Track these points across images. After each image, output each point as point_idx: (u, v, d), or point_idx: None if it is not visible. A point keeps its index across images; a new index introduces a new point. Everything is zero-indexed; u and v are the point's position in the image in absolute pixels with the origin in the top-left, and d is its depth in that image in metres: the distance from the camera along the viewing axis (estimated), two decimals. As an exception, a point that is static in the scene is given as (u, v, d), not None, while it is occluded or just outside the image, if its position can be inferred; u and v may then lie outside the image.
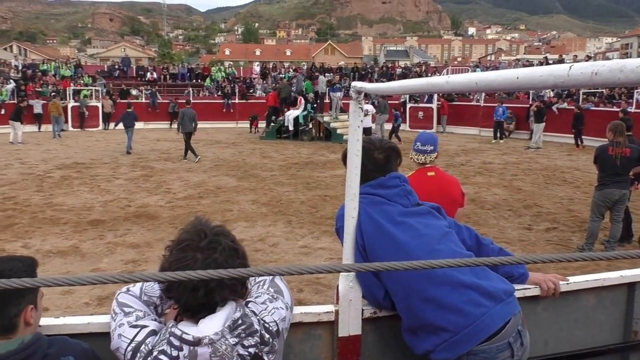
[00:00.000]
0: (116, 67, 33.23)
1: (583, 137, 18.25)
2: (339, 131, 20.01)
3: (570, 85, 0.83)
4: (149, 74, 31.96)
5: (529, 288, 2.14)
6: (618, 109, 18.67)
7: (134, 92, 28.57)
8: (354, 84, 1.76)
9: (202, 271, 0.90)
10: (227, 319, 1.45)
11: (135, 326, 1.52)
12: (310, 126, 20.84)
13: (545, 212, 9.29)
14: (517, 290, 2.09)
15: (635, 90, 19.35)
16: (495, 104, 21.02)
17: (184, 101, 19.50)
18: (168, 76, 32.73)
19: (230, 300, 1.49)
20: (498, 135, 20.55)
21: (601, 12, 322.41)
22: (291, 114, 20.61)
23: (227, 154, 16.76)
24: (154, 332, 1.49)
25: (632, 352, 2.34)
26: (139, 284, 1.67)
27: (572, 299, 2.25)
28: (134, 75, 32.52)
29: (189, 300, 1.44)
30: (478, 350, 1.81)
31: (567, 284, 2.19)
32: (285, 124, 20.75)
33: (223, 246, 1.49)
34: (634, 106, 18.82)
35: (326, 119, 21.07)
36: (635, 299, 2.33)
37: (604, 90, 21.52)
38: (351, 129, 1.84)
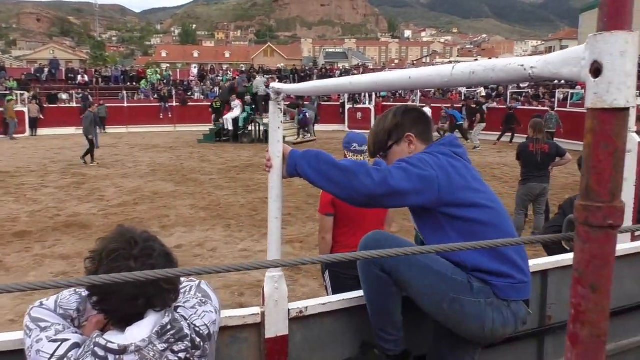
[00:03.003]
0: (44, 69, 31.85)
1: (507, 134, 19.19)
2: (288, 138, 20.00)
3: (454, 84, 0.89)
4: (79, 77, 30.80)
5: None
6: (543, 107, 19.64)
7: (63, 96, 27.45)
8: (272, 85, 1.78)
9: (150, 271, 0.89)
10: (155, 324, 1.43)
11: (55, 340, 1.46)
12: (250, 128, 20.74)
13: (477, 207, 9.64)
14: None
15: (557, 90, 20.38)
16: (424, 104, 21.50)
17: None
18: (100, 79, 31.68)
19: (167, 304, 1.47)
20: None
21: (527, 17, 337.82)
22: (230, 116, 20.43)
23: (165, 159, 16.41)
24: (76, 345, 1.44)
25: (547, 336, 2.47)
26: (52, 297, 1.61)
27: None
28: (64, 78, 31.27)
29: (128, 311, 1.42)
30: (519, 306, 1.87)
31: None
32: (225, 127, 20.54)
33: (158, 252, 1.47)
34: (556, 104, 19.84)
35: (266, 121, 21.02)
36: (549, 286, 2.47)
37: (529, 89, 22.54)
38: (271, 131, 1.86)
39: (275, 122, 1.84)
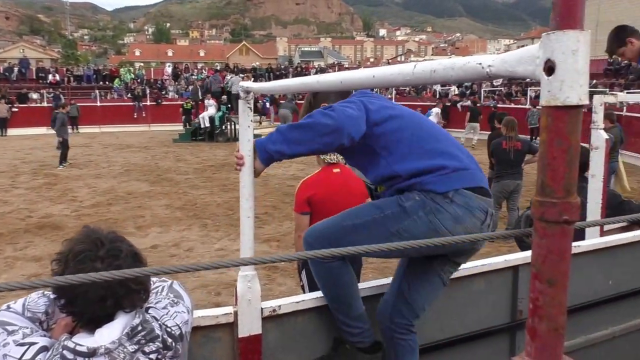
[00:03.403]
0: (13, 69, 31.15)
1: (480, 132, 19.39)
2: (255, 132, 19.88)
3: (415, 82, 0.90)
4: (50, 76, 30.18)
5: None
6: (516, 105, 19.94)
7: (34, 95, 26.91)
8: (241, 83, 1.77)
9: (116, 271, 0.87)
10: (125, 326, 1.41)
11: (22, 344, 1.43)
12: (226, 127, 20.63)
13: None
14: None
15: (529, 88, 20.71)
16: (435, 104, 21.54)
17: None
18: (72, 78, 31.13)
19: (138, 305, 1.46)
20: None
21: (499, 16, 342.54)
22: (206, 115, 20.28)
23: (139, 158, 16.21)
24: (45, 349, 1.42)
25: (519, 330, 2.51)
26: (20, 300, 1.58)
27: (463, 284, 2.38)
28: (34, 77, 30.63)
29: (96, 312, 1.39)
30: (465, 194, 1.84)
31: (458, 270, 2.32)
32: (202, 126, 20.38)
33: (125, 252, 1.46)
34: (528, 102, 20.16)
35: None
36: (520, 281, 2.50)
37: (502, 87, 22.86)
38: (241, 129, 1.85)
39: (246, 120, 1.84)
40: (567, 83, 0.65)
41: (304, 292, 3.47)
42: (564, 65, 0.66)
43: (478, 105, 20.04)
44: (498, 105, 20.73)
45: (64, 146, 14.65)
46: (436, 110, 19.73)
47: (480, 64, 0.79)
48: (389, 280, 2.20)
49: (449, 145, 1.93)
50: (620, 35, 4.46)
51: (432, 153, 1.88)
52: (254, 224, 2.00)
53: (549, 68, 0.67)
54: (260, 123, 21.47)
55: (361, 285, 2.13)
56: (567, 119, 0.65)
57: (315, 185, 3.47)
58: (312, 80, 1.19)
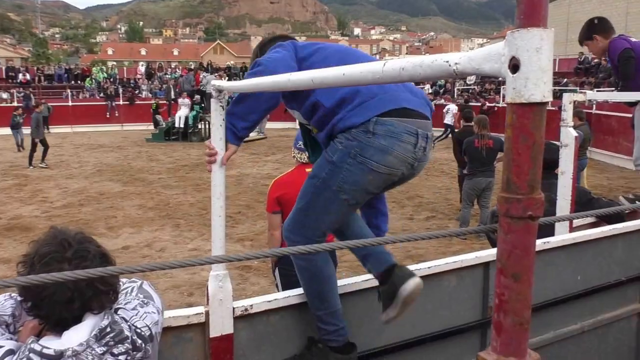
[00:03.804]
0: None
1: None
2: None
3: (386, 80, 0.90)
4: (20, 76, 29.54)
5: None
6: (490, 104, 20.20)
7: (4, 95, 26.30)
8: (213, 82, 1.76)
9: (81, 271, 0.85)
10: (93, 327, 1.39)
11: None
12: (200, 127, 20.46)
13: (425, 202, 9.84)
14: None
15: (502, 87, 21.00)
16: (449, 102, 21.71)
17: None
18: (43, 77, 30.51)
19: (106, 306, 1.44)
20: None
21: (472, 15, 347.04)
22: (181, 114, 20.08)
23: (111, 159, 15.97)
24: (11, 352, 1.39)
25: (490, 327, 2.54)
26: None
27: (435, 281, 2.40)
28: (4, 76, 29.93)
29: (63, 314, 1.37)
30: (385, 122, 1.79)
31: (429, 267, 2.34)
32: (176, 125, 20.17)
33: (93, 253, 1.44)
34: (501, 100, 20.46)
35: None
36: (491, 277, 2.53)
37: (475, 86, 23.15)
38: (213, 128, 1.84)
39: (218, 119, 1.83)
40: (532, 80, 0.66)
41: (278, 291, 3.46)
42: (528, 63, 0.67)
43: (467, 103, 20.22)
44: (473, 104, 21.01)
45: (35, 147, 14.37)
46: (453, 107, 19.93)
47: (447, 61, 0.79)
48: (363, 277, 2.21)
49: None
50: (590, 29, 4.55)
51: (339, 90, 1.87)
52: (225, 223, 1.98)
53: (514, 66, 0.68)
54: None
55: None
56: (531, 116, 0.66)
57: (286, 185, 3.48)
58: (284, 79, 1.19)
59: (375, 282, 2.16)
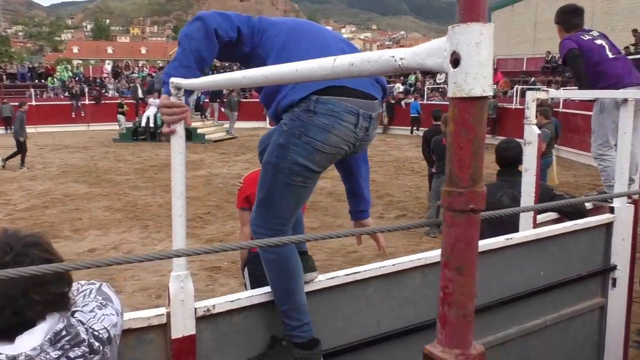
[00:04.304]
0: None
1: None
2: (199, 131, 19.62)
3: (336, 76, 0.90)
4: (-19, 74, 28.82)
5: (359, 272, 2.26)
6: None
7: (-37, 94, 25.57)
8: (171, 79, 1.74)
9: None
10: (48, 331, 1.35)
11: None
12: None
13: (396, 200, 9.91)
14: (349, 274, 2.21)
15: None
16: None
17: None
18: (5, 76, 29.76)
19: (52, 312, 1.39)
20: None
21: (442, 14, 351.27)
22: (149, 113, 19.80)
23: (77, 159, 15.64)
24: None
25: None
26: None
27: (400, 279, 2.41)
28: (-36, 76, 29.15)
29: None
30: (326, 100, 1.81)
31: (394, 265, 2.35)
32: (143, 125, 19.88)
33: (31, 258, 1.38)
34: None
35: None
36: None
37: (445, 85, 23.42)
38: (175, 126, 1.81)
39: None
40: (472, 75, 0.67)
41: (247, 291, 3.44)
42: (468, 58, 0.67)
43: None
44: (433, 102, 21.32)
45: (21, 147, 14.09)
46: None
47: (393, 56, 0.79)
48: (328, 275, 2.21)
49: (319, 47, 1.92)
50: (557, 15, 4.65)
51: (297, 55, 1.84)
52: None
53: (455, 60, 0.68)
54: (204, 121, 21.16)
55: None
56: (472, 110, 0.67)
57: (254, 182, 3.47)
58: (239, 76, 1.18)
59: (342, 280, 2.19)
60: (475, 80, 0.66)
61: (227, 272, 6.24)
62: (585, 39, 4.45)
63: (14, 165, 14.37)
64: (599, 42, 4.45)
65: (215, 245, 1.36)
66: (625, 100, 3.36)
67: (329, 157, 1.88)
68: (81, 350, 1.39)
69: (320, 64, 0.90)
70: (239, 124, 22.33)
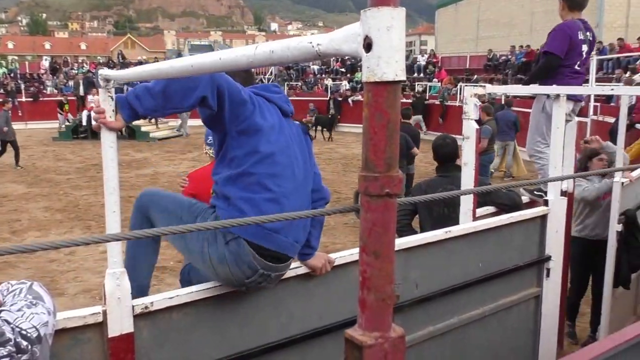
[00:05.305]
0: None
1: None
2: (143, 129, 19.14)
3: (258, 64, 0.90)
4: None
5: (300, 267, 2.27)
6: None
7: None
8: (100, 71, 1.69)
9: None
10: None
11: None
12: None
13: (343, 197, 9.98)
14: (291, 268, 2.21)
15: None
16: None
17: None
18: None
19: None
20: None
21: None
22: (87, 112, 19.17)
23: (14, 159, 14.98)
24: None
25: (396, 314, 2.59)
26: None
27: (341, 273, 2.43)
28: None
29: None
30: (242, 245, 1.93)
31: (335, 259, 2.37)
32: (84, 123, 19.21)
33: None
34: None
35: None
36: (399, 266, 2.60)
37: (407, 82, 23.74)
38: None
39: (107, 110, 1.75)
40: (384, 59, 0.68)
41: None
42: (380, 42, 0.68)
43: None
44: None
45: (13, 146, 13.44)
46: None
47: (310, 43, 0.80)
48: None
49: (286, 196, 2.00)
50: None
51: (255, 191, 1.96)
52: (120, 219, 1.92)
53: (368, 45, 0.69)
54: (157, 126, 20.56)
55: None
56: (385, 94, 0.67)
57: (198, 180, 3.47)
58: (167, 66, 1.16)
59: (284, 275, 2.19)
60: (388, 64, 0.67)
61: (172, 271, 6.12)
62: (579, 38, 4.26)
63: None
64: (584, 48, 4.30)
65: (142, 231, 1.33)
66: (557, 96, 3.50)
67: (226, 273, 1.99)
68: (7, 350, 1.35)
69: (244, 52, 0.89)
70: (191, 122, 21.91)
